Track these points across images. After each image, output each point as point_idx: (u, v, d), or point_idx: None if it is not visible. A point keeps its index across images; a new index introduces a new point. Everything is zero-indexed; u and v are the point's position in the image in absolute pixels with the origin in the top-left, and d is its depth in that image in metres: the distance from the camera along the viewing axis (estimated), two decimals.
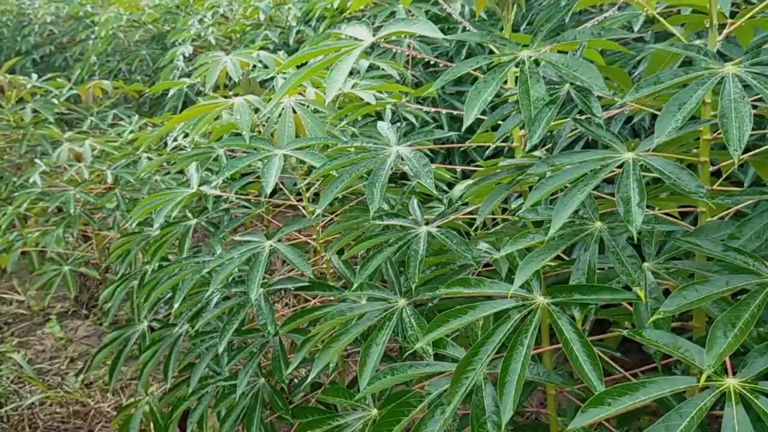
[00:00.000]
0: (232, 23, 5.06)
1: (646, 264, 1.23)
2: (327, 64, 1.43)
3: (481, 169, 1.51)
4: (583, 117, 1.27)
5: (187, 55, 4.53)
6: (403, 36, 2.86)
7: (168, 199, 1.90)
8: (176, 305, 1.86)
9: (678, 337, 1.02)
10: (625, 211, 1.04)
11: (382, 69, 2.49)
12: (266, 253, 1.73)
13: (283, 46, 4.16)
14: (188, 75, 4.70)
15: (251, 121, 1.81)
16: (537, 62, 1.27)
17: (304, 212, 1.99)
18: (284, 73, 2.29)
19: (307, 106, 1.88)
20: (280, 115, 1.85)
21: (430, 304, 1.49)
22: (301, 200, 1.97)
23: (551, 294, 1.15)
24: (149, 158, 3.15)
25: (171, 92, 4.41)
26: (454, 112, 1.75)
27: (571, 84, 1.24)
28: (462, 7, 2.90)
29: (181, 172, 2.57)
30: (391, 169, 1.39)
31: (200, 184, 1.98)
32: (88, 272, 3.40)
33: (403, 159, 1.43)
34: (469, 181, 1.52)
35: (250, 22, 4.61)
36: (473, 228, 1.74)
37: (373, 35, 1.42)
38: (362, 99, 1.93)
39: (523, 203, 2.03)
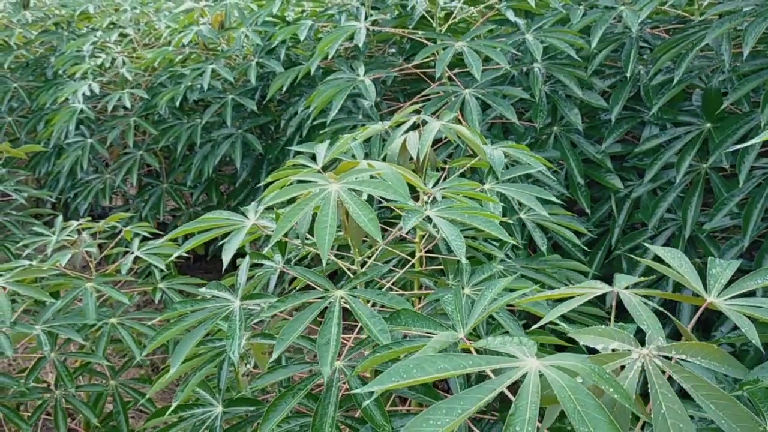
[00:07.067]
0: (139, 47, 3.88)
1: None
2: None
3: None
4: None
5: (88, 94, 3.33)
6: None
7: None
8: None
9: None
10: None
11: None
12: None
13: (237, 86, 3.07)
14: (92, 120, 3.52)
15: None
16: None
17: None
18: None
19: None
20: None
21: None
22: None
23: None
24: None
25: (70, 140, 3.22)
26: None
27: None
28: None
29: None
30: None
31: None
32: None
33: None
34: None
35: (174, 50, 3.47)
36: None
37: None
38: None
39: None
